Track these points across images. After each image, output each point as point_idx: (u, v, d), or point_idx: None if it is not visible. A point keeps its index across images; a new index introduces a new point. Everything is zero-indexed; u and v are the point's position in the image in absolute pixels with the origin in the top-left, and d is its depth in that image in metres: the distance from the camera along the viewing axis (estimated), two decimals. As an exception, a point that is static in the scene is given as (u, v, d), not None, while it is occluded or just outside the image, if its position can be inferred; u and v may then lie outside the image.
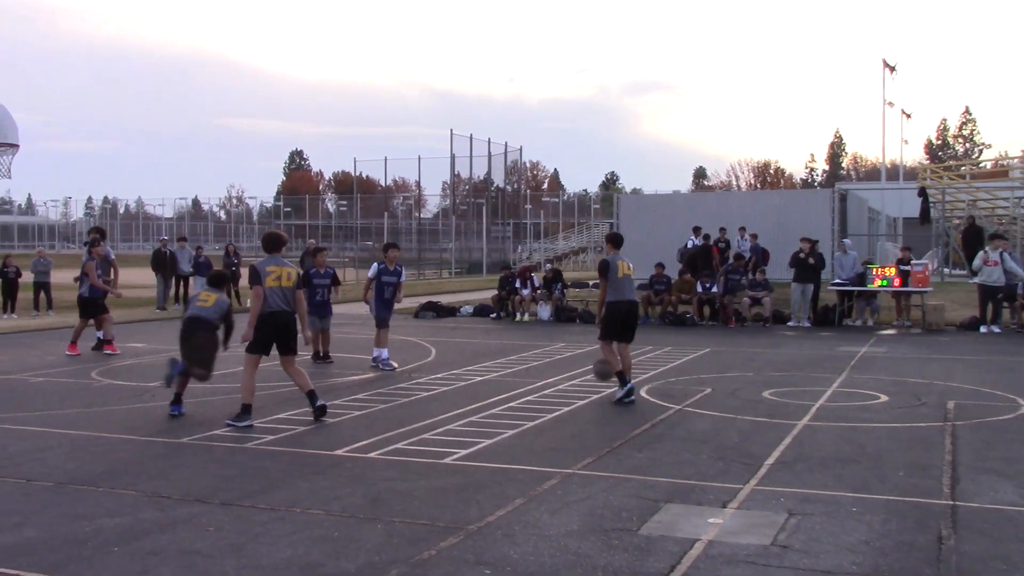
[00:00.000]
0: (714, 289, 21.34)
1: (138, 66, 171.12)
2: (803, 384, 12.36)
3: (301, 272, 10.11)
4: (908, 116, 48.02)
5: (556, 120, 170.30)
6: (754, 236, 24.98)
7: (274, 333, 9.76)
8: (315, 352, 14.29)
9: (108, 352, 15.39)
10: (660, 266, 22.09)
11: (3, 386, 12.32)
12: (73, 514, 6.45)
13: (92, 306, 15.49)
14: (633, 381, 11.27)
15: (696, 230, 26.06)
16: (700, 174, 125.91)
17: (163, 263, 25.54)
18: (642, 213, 31.20)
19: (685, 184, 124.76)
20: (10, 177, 15.80)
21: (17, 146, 15.76)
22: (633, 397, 10.88)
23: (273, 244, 10.09)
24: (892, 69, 41.77)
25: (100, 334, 15.61)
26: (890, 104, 42.82)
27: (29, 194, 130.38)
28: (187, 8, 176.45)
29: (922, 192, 27.63)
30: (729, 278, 21.22)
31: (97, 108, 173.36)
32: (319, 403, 9.84)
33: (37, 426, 9.50)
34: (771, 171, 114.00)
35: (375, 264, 14.42)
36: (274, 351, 9.88)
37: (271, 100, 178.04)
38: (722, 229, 26.09)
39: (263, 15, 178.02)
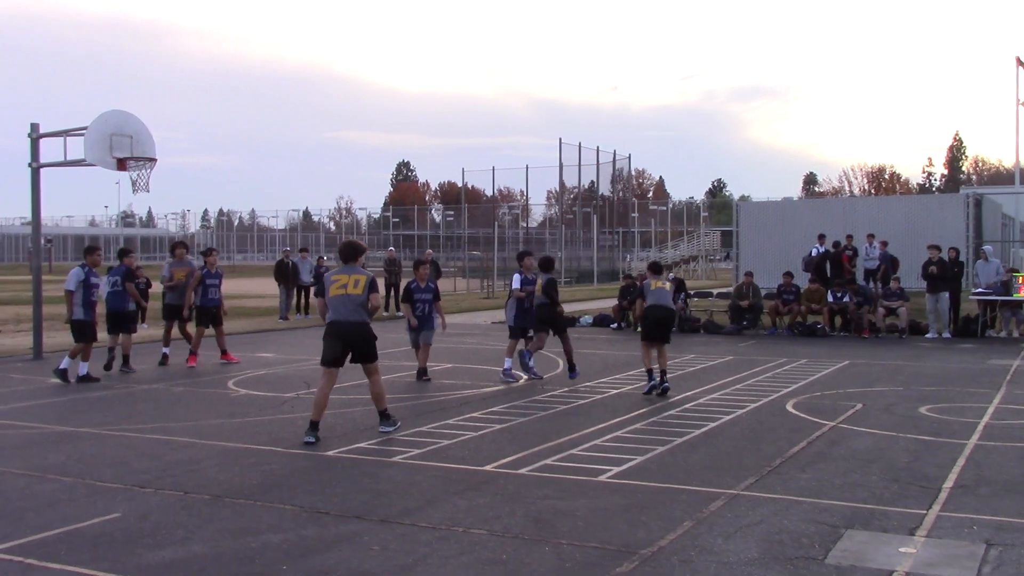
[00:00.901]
0: (846, 299, 20.55)
1: (251, 82, 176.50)
2: (960, 400, 11.69)
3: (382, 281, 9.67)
4: (1040, 116, 45.64)
5: (661, 128, 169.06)
6: (884, 243, 24.05)
7: (341, 343, 9.37)
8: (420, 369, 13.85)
9: (190, 365, 15.35)
10: (788, 275, 21.40)
11: (147, 396, 12.55)
12: (236, 529, 6.38)
13: (205, 315, 15.65)
14: (772, 396, 10.79)
15: (821, 237, 25.23)
16: (811, 180, 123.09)
17: (285, 274, 25.94)
18: (763, 220, 30.49)
19: (795, 191, 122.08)
20: (149, 191, 16.15)
21: (155, 160, 16.09)
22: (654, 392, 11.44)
23: (350, 253, 9.69)
24: (1025, 67, 39.88)
25: (166, 349, 15.67)
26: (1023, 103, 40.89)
27: (149, 207, 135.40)
28: (295, 25, 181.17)
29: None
30: (861, 290, 20.43)
31: (213, 124, 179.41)
32: (385, 428, 9.63)
33: (186, 436, 9.58)
34: (886, 176, 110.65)
35: (516, 275, 14.27)
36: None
37: (378, 112, 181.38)
38: (849, 236, 25.21)
39: (368, 29, 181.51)
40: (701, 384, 13.07)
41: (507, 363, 13.80)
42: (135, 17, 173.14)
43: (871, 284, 23.25)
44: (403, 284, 14.87)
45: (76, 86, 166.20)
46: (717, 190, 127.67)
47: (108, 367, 14.70)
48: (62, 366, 13.70)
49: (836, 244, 24.22)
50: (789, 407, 11.15)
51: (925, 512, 6.64)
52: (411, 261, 18.65)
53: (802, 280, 22.57)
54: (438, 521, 6.52)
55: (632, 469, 8.03)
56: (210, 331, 15.66)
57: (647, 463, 8.27)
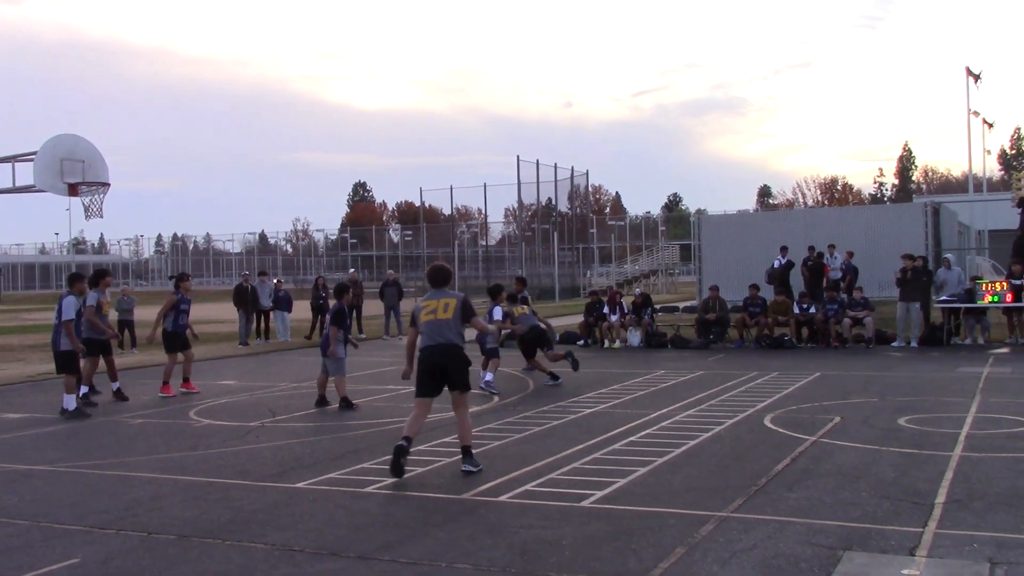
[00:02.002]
0: (812, 310, 20.52)
1: (203, 104, 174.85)
2: (937, 410, 11.59)
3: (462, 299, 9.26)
4: (990, 126, 46.48)
5: (616, 143, 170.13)
6: (850, 254, 24.09)
7: (431, 367, 8.86)
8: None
9: (185, 390, 15.00)
10: (755, 287, 21.34)
11: (105, 429, 12.08)
12: (204, 571, 6.03)
13: (176, 341, 15.19)
14: (748, 411, 10.59)
15: (783, 249, 25.26)
16: (765, 192, 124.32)
17: (245, 298, 25.42)
18: (723, 233, 30.47)
19: (750, 203, 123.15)
20: (102, 216, 15.73)
21: (108, 185, 15.65)
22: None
23: (439, 278, 9.17)
24: (977, 78, 40.49)
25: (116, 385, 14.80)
26: (975, 113, 41.51)
27: (102, 233, 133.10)
28: (247, 45, 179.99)
29: (1021, 203, 26.45)
30: (827, 308, 20.40)
31: (165, 147, 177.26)
32: (467, 467, 8.70)
33: (147, 471, 9.16)
34: (839, 187, 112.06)
35: (497, 308, 15.44)
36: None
37: (333, 133, 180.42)
38: (811, 248, 25.25)
39: (323, 48, 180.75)
40: (675, 400, 12.87)
41: (488, 376, 14.08)
42: (85, 39, 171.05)
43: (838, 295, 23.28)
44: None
45: (24, 109, 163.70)
46: (674, 204, 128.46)
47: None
48: (69, 407, 12.94)
49: (819, 255, 24.27)
50: (767, 422, 10.97)
51: (922, 530, 6.44)
52: (378, 282, 18.43)
53: (767, 292, 22.53)
54: (419, 556, 6.20)
55: (616, 493, 7.77)
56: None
57: (631, 486, 8.01)
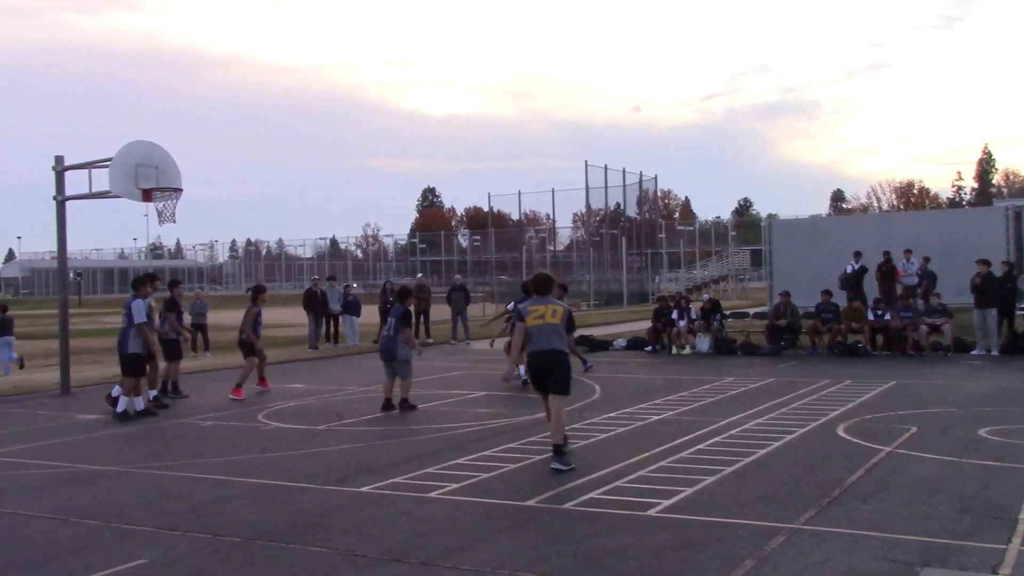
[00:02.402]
0: (887, 317, 20.00)
1: (276, 111, 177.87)
2: (1020, 421, 11.17)
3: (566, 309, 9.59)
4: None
5: (685, 147, 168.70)
6: (926, 259, 23.48)
7: (540, 370, 9.26)
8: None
9: (232, 397, 15.04)
10: (827, 293, 20.88)
11: (176, 431, 12.26)
12: (268, 575, 6.03)
13: (252, 347, 15.54)
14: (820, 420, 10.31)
15: (857, 254, 24.73)
16: (838, 197, 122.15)
17: (314, 302, 25.70)
18: (794, 238, 30.00)
19: (823, 208, 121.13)
20: (175, 222, 15.93)
21: (181, 190, 15.90)
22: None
23: (544, 286, 9.56)
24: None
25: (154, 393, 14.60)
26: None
27: (178, 239, 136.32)
28: (319, 53, 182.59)
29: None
30: (902, 315, 19.87)
31: (239, 153, 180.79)
32: (557, 465, 8.89)
33: (216, 474, 9.26)
34: (915, 191, 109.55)
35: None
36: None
37: (403, 139, 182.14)
38: (885, 253, 24.68)
39: (391, 54, 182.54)
40: (744, 408, 12.61)
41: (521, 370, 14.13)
42: (161, 48, 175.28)
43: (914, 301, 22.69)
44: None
45: (101, 118, 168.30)
46: (744, 209, 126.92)
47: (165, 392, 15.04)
48: (121, 408, 13.19)
49: (888, 259, 23.72)
50: (840, 431, 10.68)
51: (1005, 547, 6.17)
52: (446, 287, 18.88)
53: (840, 298, 22.04)
54: (482, 563, 6.13)
55: (683, 502, 7.60)
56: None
57: (698, 495, 7.84)
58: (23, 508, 8.01)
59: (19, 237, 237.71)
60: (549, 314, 9.23)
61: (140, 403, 13.34)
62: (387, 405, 13.29)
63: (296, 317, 27.70)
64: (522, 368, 14.09)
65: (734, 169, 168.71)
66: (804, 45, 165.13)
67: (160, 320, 15.26)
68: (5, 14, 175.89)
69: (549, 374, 9.21)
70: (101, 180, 15.81)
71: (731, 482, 8.32)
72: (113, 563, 6.31)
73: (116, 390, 13.52)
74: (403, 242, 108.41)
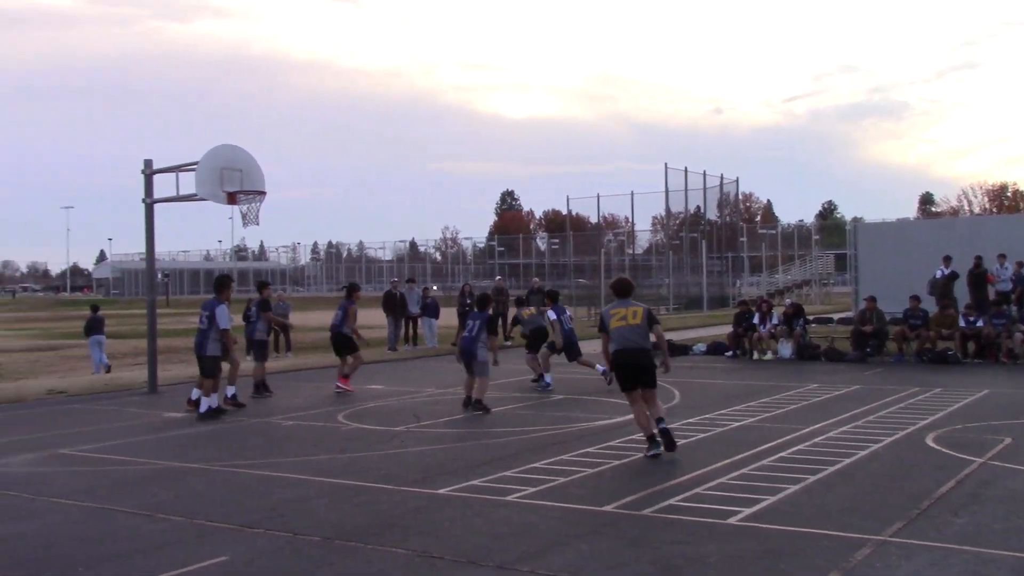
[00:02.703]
0: (979, 323, 19.36)
1: (356, 115, 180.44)
2: (1121, 433, 10.69)
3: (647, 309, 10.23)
4: None
5: (767, 149, 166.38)
6: (1020, 264, 22.66)
7: (628, 367, 9.89)
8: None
9: (340, 389, 15.92)
10: (915, 299, 20.29)
11: (257, 430, 12.47)
12: (346, 574, 6.06)
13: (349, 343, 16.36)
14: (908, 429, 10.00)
15: (946, 259, 23.97)
16: (927, 200, 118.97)
17: (393, 304, 25.94)
18: (881, 242, 29.24)
19: (911, 211, 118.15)
20: (258, 224, 16.27)
21: (264, 193, 16.19)
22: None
23: (624, 289, 10.30)
24: None
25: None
26: None
27: (261, 241, 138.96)
28: (400, 57, 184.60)
29: None
30: (994, 322, 19.21)
31: (318, 156, 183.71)
32: (653, 452, 9.65)
33: (296, 473, 9.37)
34: (1008, 194, 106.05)
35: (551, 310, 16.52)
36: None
37: (482, 142, 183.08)
38: (977, 257, 23.88)
39: (472, 57, 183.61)
40: (828, 416, 12.31)
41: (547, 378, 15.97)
42: (246, 54, 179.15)
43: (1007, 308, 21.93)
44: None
45: (188, 122, 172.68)
46: (828, 212, 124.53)
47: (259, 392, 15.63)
48: (211, 406, 13.45)
49: (978, 264, 22.98)
50: (929, 441, 10.35)
51: (1107, 564, 5.89)
52: (525, 290, 19.31)
53: (928, 304, 21.41)
54: (559, 567, 6.07)
55: (765, 511, 7.44)
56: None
57: (780, 504, 7.67)
58: (112, 503, 8.20)
59: (110, 239, 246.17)
60: (631, 316, 9.92)
61: (215, 400, 13.60)
62: (467, 402, 13.57)
63: (375, 319, 27.92)
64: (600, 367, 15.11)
65: (818, 171, 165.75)
66: (892, 44, 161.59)
67: (255, 320, 16.10)
68: (106, 23, 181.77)
69: (635, 371, 9.86)
70: (188, 183, 16.19)
71: (815, 491, 8.12)
72: (196, 559, 6.41)
73: (195, 393, 13.81)
74: (481, 245, 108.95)
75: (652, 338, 10.20)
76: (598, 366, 15.85)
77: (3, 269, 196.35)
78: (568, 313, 17.27)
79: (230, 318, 13.87)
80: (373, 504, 8.00)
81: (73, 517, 7.78)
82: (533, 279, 32.10)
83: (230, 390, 14.35)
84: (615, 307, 10.16)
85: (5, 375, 20.77)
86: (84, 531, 7.32)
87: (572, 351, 16.40)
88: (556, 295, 17.38)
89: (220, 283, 14.20)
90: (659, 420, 9.88)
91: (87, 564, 6.40)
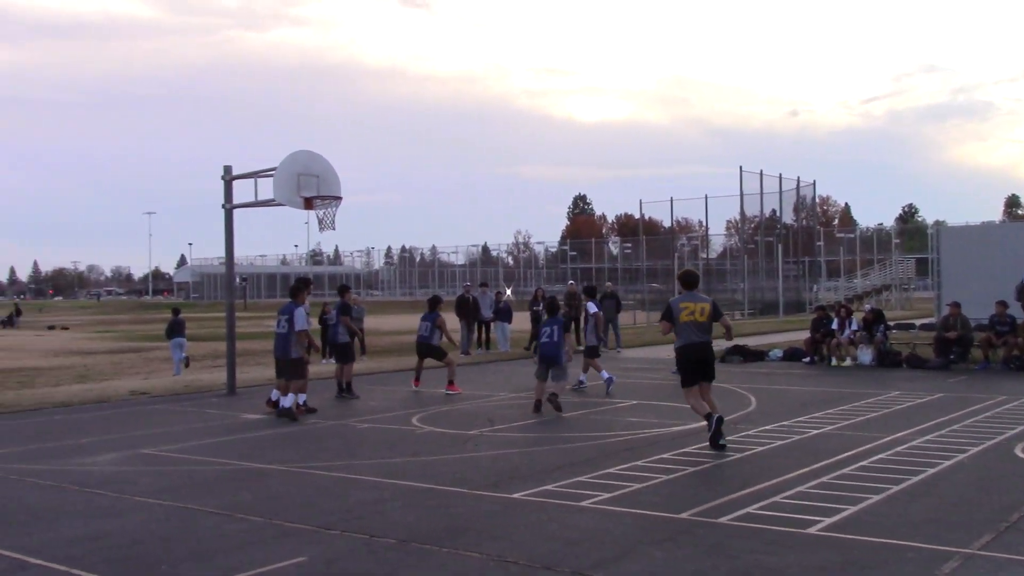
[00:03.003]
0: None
1: (429, 120, 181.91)
2: None
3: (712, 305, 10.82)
4: None
5: (845, 152, 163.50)
6: (1112, 268, 21.84)
7: (693, 362, 10.63)
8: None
9: (450, 392, 16.26)
10: (1002, 304, 19.70)
11: (334, 432, 12.62)
12: (422, 578, 6.08)
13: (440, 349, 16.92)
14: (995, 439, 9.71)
15: (1035, 263, 23.22)
16: (1013, 202, 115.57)
17: (466, 308, 26.04)
18: (965, 246, 28.40)
19: (995, 214, 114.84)
20: (334, 229, 16.50)
21: (340, 198, 16.40)
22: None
23: (689, 282, 10.90)
24: None
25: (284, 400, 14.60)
26: None
27: (336, 245, 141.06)
28: (472, 63, 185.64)
29: None
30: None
31: (392, 161, 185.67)
32: (714, 433, 10.31)
33: (371, 475, 9.45)
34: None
35: (591, 303, 17.39)
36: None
37: (554, 146, 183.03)
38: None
39: (545, 62, 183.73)
40: (911, 424, 12.01)
41: (583, 377, 16.61)
42: (322, 62, 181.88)
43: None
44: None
45: (266, 129, 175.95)
46: (909, 215, 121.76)
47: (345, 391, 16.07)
48: (286, 404, 13.70)
49: None
50: (1018, 452, 10.02)
51: None
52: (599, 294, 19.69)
53: (1016, 310, 20.74)
54: (634, 575, 6.01)
55: (846, 520, 7.27)
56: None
57: (862, 514, 7.49)
58: (194, 503, 8.37)
59: (190, 244, 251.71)
60: (699, 313, 10.54)
61: (301, 398, 13.80)
62: (537, 407, 13.63)
63: (448, 323, 28.07)
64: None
65: (898, 174, 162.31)
66: (975, 43, 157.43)
67: (334, 323, 16.88)
68: (186, 32, 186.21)
69: (701, 364, 10.61)
70: (266, 189, 16.49)
71: (898, 501, 7.92)
72: (275, 559, 6.50)
73: (275, 394, 14.02)
74: (553, 249, 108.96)
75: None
76: (581, 376, 16.71)
77: (88, 273, 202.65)
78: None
79: (308, 321, 14.08)
80: (447, 508, 8.02)
81: (156, 516, 7.95)
82: (607, 284, 31.97)
83: (301, 397, 14.44)
84: (684, 300, 10.67)
85: (91, 376, 21.38)
86: (167, 530, 7.48)
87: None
88: (594, 291, 18.49)
89: (297, 286, 14.43)
90: (708, 417, 10.46)
91: (170, 562, 6.53)
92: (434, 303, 17.18)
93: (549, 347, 13.89)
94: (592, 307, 17.17)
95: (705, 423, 10.52)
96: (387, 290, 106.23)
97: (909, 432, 11.38)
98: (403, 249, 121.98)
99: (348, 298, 17.21)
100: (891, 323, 23.15)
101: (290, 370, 13.75)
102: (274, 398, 14.01)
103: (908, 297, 61.16)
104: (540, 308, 26.33)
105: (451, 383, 16.49)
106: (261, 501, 8.40)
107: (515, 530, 7.22)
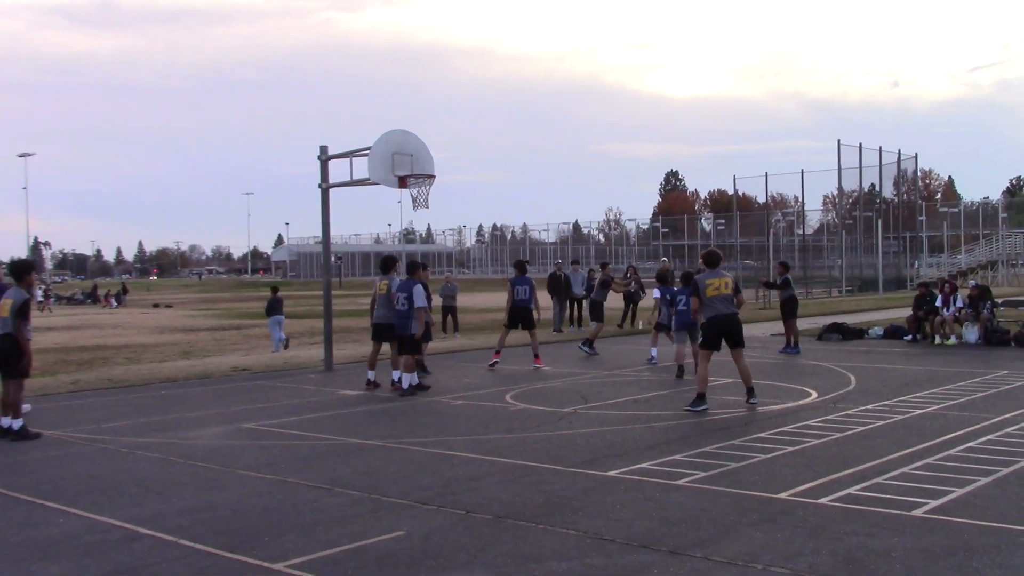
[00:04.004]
0: None
1: (520, 99, 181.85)
2: None
3: (735, 281, 12.14)
4: None
5: (949, 123, 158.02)
6: None
7: (719, 332, 11.80)
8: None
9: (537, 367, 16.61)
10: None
11: (429, 409, 12.76)
12: (518, 554, 6.11)
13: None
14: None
15: None
16: None
17: (558, 286, 26.03)
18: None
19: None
20: (428, 207, 16.59)
21: (434, 177, 16.51)
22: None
23: (712, 260, 12.22)
24: None
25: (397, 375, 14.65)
26: None
27: (428, 224, 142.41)
28: (562, 40, 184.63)
29: None
30: None
31: (486, 141, 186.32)
32: (752, 400, 11.87)
33: (466, 451, 9.52)
34: None
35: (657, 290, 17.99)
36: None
37: (645, 122, 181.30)
38: None
39: (636, 37, 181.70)
40: (1020, 405, 11.59)
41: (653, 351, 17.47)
42: (415, 41, 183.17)
43: None
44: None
45: (360, 109, 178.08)
46: (1016, 188, 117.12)
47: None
48: (407, 384, 13.94)
49: None
50: None
51: None
52: (681, 272, 19.54)
53: None
54: (734, 555, 5.94)
55: (952, 503, 7.05)
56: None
57: (970, 497, 7.25)
58: (294, 477, 8.56)
59: (287, 223, 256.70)
60: (723, 286, 11.77)
61: (415, 378, 14.02)
62: (680, 372, 15.08)
63: (540, 300, 28.09)
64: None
65: (1005, 146, 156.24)
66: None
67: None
68: (283, 16, 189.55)
69: (727, 333, 11.81)
70: (360, 168, 16.69)
71: (1009, 484, 7.65)
72: (374, 533, 6.61)
73: (395, 374, 14.24)
74: (645, 226, 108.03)
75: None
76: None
77: (190, 253, 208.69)
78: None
79: (426, 297, 14.27)
80: (542, 484, 8.04)
81: (258, 489, 8.16)
82: (699, 262, 31.48)
83: (395, 374, 14.53)
84: (709, 277, 11.82)
85: (194, 353, 22.04)
86: (268, 502, 7.67)
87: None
88: (665, 276, 18.26)
89: (412, 265, 14.70)
90: (749, 391, 11.90)
91: (272, 534, 6.69)
92: (522, 267, 17.89)
93: (687, 315, 14.83)
94: (658, 293, 17.82)
95: (696, 396, 11.62)
96: (479, 268, 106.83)
97: (1018, 413, 10.99)
98: (494, 227, 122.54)
99: (419, 275, 16.71)
100: (998, 300, 22.32)
101: (404, 346, 13.96)
102: (395, 378, 14.22)
103: (1016, 273, 58.95)
104: (634, 289, 26.25)
105: (536, 356, 16.98)
106: (359, 476, 8.55)
107: (611, 508, 7.20)
